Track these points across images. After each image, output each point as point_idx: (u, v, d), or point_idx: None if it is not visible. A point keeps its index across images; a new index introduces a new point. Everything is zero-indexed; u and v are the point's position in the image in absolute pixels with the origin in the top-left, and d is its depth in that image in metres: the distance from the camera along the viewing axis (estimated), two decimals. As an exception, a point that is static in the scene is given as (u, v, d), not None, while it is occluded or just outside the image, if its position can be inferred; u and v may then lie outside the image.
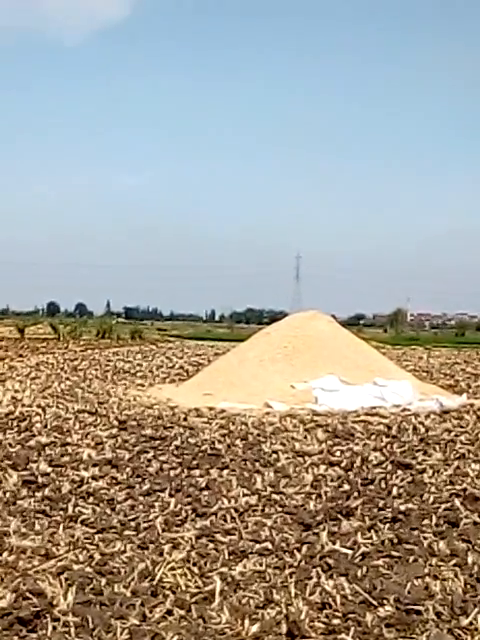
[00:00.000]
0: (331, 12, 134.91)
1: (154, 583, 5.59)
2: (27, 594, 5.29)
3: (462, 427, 12.85)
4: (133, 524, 7.03)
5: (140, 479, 8.71)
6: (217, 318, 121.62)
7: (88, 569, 5.85)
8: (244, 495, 8.07)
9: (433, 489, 8.49)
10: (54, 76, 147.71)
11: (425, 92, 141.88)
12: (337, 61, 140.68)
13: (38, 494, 7.99)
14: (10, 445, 10.42)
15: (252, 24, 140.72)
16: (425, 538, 6.73)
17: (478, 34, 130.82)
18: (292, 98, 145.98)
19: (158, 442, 10.83)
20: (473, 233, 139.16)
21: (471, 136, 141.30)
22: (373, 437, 11.75)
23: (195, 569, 5.92)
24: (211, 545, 6.52)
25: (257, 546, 6.47)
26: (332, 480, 8.88)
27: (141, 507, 7.59)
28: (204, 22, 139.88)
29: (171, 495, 8.01)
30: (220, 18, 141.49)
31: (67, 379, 19.64)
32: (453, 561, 6.16)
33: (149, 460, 9.70)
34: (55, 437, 11.05)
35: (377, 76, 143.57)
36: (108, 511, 7.45)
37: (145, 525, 7.00)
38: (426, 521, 7.25)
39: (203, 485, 8.47)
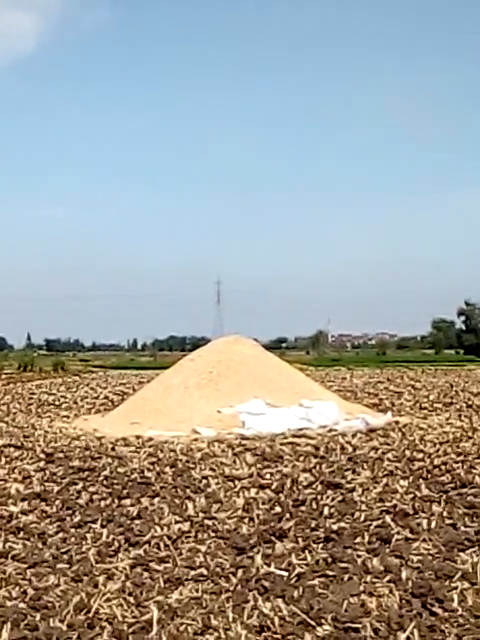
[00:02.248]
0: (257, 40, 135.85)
1: (90, 615, 5.53)
2: (-40, 634, 5.19)
3: (388, 445, 12.99)
4: (66, 557, 6.94)
5: (70, 511, 8.61)
6: (140, 347, 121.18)
7: (22, 605, 5.75)
8: (176, 522, 8.03)
9: (364, 507, 8.56)
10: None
11: (337, 122, 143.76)
12: (248, 88, 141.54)
13: (-33, 532, 7.84)
14: None
15: (166, 53, 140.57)
16: (359, 556, 6.78)
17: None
18: (208, 125, 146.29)
19: (87, 473, 10.72)
20: (391, 254, 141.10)
21: (387, 160, 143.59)
22: (302, 458, 11.80)
23: (131, 599, 5.86)
24: (146, 574, 6.47)
25: (192, 572, 6.45)
26: (263, 503, 8.89)
27: (73, 539, 7.50)
28: (113, 56, 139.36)
29: (103, 526, 7.93)
30: (130, 48, 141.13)
31: (-10, 414, 19.32)
32: (387, 577, 6.21)
33: (79, 492, 9.59)
34: (-19, 473, 10.85)
35: (294, 101, 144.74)
36: (39, 545, 7.34)
37: (78, 557, 6.91)
38: (359, 539, 7.31)
39: (135, 514, 8.40)
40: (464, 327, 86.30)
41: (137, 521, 8.13)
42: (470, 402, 21.06)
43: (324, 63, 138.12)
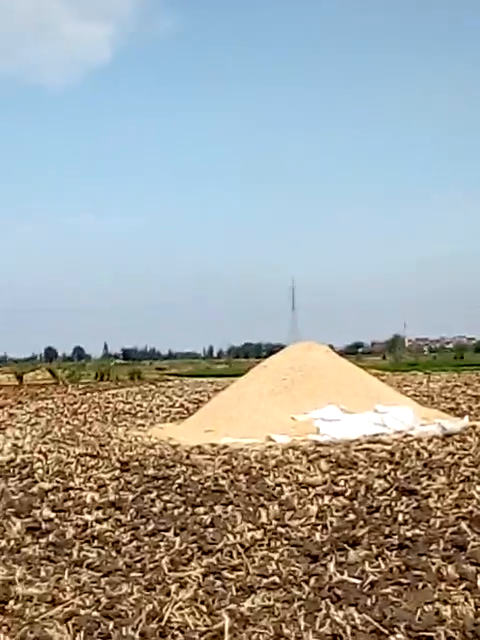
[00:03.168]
0: (318, 47, 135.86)
1: (162, 624, 5.55)
2: (35, 642, 5.25)
3: (465, 450, 12.80)
4: (139, 565, 6.99)
5: (144, 520, 8.66)
6: (215, 354, 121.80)
7: (95, 613, 5.80)
8: (249, 530, 8.02)
9: (439, 513, 8.45)
10: (39, 121, 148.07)
11: (415, 121, 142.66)
12: (327, 94, 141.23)
13: (42, 540, 7.94)
14: (12, 492, 10.38)
15: (239, 58, 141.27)
16: (433, 563, 6.68)
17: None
18: (283, 131, 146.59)
19: (161, 481, 10.77)
20: (467, 256, 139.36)
21: (464, 158, 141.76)
22: (376, 465, 11.69)
23: (203, 607, 5.87)
24: (218, 582, 6.47)
25: (264, 581, 6.43)
26: (337, 510, 8.83)
27: (146, 548, 7.55)
28: (187, 63, 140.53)
29: (176, 534, 7.96)
30: (206, 58, 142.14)
31: (67, 423, 19.57)
32: (462, 585, 6.12)
33: (153, 500, 9.64)
34: (57, 482, 10.99)
35: (370, 106, 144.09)
36: (113, 554, 7.40)
37: (151, 566, 6.95)
38: (433, 546, 7.21)
39: (208, 522, 8.41)
40: None
41: (210, 529, 8.15)
42: None
43: (384, 65, 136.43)
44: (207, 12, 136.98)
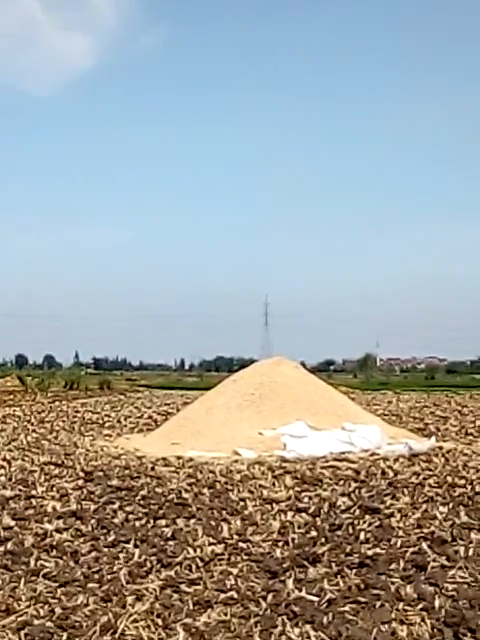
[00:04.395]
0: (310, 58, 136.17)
1: (116, 636, 5.50)
2: (-15, 651, 5.18)
3: (430, 470, 12.82)
4: (96, 576, 6.93)
5: (105, 530, 8.59)
6: (187, 367, 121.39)
7: (49, 624, 5.74)
8: (210, 544, 7.98)
9: (401, 533, 8.45)
10: (25, 126, 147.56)
11: (399, 143, 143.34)
12: (312, 111, 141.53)
13: (0, 548, 7.85)
14: (-27, 499, 10.26)
15: (224, 71, 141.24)
16: (392, 583, 6.67)
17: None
18: (263, 146, 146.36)
19: (124, 492, 10.70)
20: (442, 278, 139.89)
21: (444, 182, 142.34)
22: (341, 482, 11.68)
23: (159, 620, 5.83)
24: (175, 596, 6.42)
25: (222, 596, 6.39)
26: (299, 527, 8.80)
27: (105, 559, 7.48)
28: (171, 74, 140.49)
29: (136, 546, 7.91)
30: (190, 69, 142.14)
31: (34, 431, 19.44)
32: (420, 605, 6.11)
33: (115, 511, 9.57)
34: (20, 490, 10.88)
35: (355, 125, 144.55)
36: (71, 564, 7.33)
37: (109, 577, 6.89)
38: (393, 565, 7.20)
39: (169, 535, 8.36)
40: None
41: (171, 542, 8.09)
42: (517, 428, 20.74)
43: (371, 78, 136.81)
44: (192, 25, 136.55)
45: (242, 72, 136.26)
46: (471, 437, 18.72)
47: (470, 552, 7.63)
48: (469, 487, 11.12)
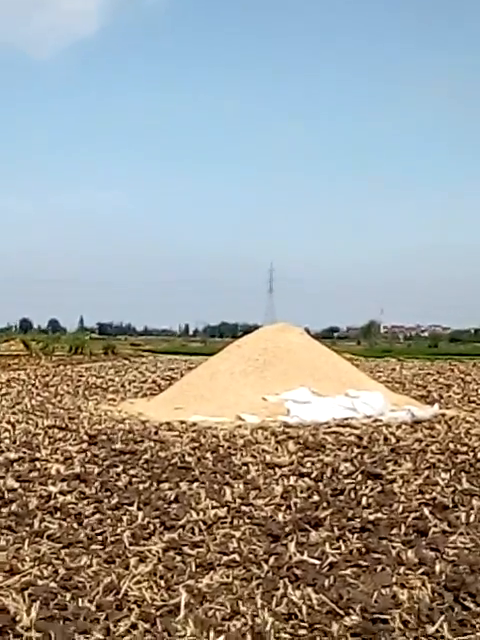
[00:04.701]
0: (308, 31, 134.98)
1: (119, 597, 5.53)
2: (-10, 610, 5.23)
3: (433, 437, 12.87)
4: (100, 538, 6.97)
5: (108, 493, 8.64)
6: (191, 332, 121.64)
7: (52, 584, 5.78)
8: (213, 507, 8.02)
9: (402, 499, 8.49)
10: (24, 91, 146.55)
11: (400, 112, 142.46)
12: (314, 81, 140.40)
13: (4, 510, 7.90)
14: (-22, 461, 10.32)
15: (228, 39, 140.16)
16: (393, 547, 6.71)
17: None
18: (270, 116, 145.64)
19: (128, 456, 10.76)
20: (446, 246, 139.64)
21: (447, 153, 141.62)
22: (344, 448, 11.73)
23: (161, 582, 5.86)
24: (178, 558, 6.47)
25: (225, 558, 6.43)
26: (302, 491, 8.84)
27: (109, 521, 7.52)
28: (176, 37, 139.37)
29: (139, 509, 7.94)
30: (194, 35, 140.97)
31: (38, 395, 19.52)
32: (421, 570, 6.14)
33: (118, 474, 9.62)
34: (24, 453, 10.95)
35: (356, 97, 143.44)
36: (75, 526, 7.37)
37: (112, 539, 6.93)
38: (395, 530, 7.24)
39: (172, 498, 8.40)
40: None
41: (174, 505, 8.14)
42: (520, 397, 20.77)
43: (376, 53, 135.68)
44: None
45: (244, 38, 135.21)
46: (474, 405, 18.75)
47: (471, 518, 7.68)
48: (471, 454, 11.17)
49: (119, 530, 7.19)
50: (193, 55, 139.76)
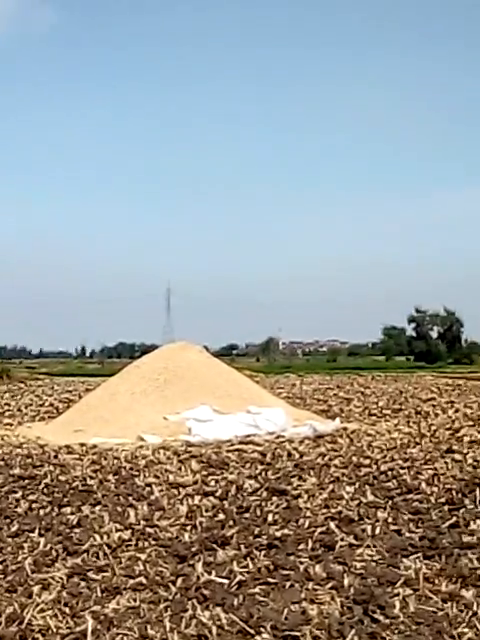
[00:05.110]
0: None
1: (22, 627, 5.35)
2: None
3: (336, 451, 12.92)
4: (1, 567, 6.75)
5: (8, 520, 8.40)
6: (88, 354, 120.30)
7: (-48, 617, 5.55)
8: (117, 530, 7.86)
9: (308, 514, 8.47)
10: None
11: (290, 122, 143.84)
12: (206, 92, 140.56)
13: None
14: None
15: (116, 55, 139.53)
16: (301, 563, 6.68)
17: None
18: (160, 130, 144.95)
19: (27, 481, 10.50)
20: (341, 262, 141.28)
21: (346, 169, 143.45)
22: (248, 465, 11.68)
23: (66, 609, 5.70)
24: (83, 584, 6.30)
25: (131, 581, 6.29)
26: (207, 510, 8.75)
27: (9, 549, 7.31)
28: (63, 59, 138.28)
29: (41, 535, 7.74)
30: (83, 54, 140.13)
31: None
32: (329, 584, 6.11)
33: (17, 500, 9.38)
34: None
35: (254, 106, 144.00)
36: (-26, 555, 7.13)
37: (13, 567, 6.72)
38: (302, 546, 7.21)
39: (74, 523, 8.21)
40: (414, 334, 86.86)
41: (77, 530, 7.95)
42: (419, 408, 21.06)
43: (270, 58, 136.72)
44: (85, 9, 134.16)
45: (132, 50, 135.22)
46: (374, 417, 18.98)
47: (377, 530, 7.70)
48: (374, 466, 11.23)
49: (20, 557, 6.98)
50: (79, 72, 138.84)
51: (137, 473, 11.08)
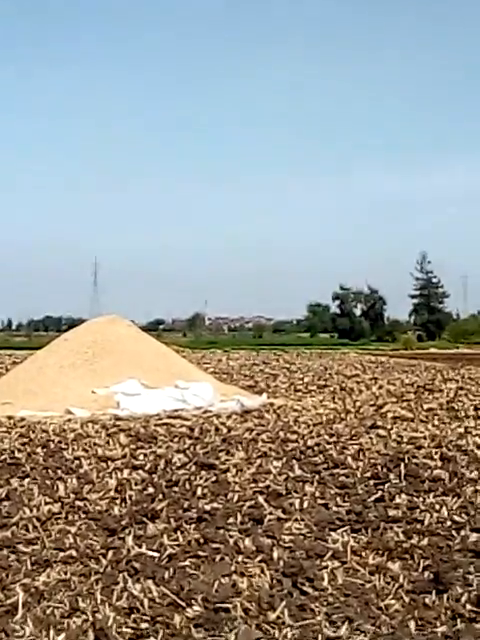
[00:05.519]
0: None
1: (-48, 600, 5.33)
2: None
3: (263, 426, 13.05)
4: None
5: None
6: (14, 327, 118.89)
7: None
8: (46, 503, 7.84)
9: (237, 488, 8.56)
10: None
11: (215, 94, 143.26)
12: (126, 65, 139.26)
13: None
14: None
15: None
16: (231, 536, 6.75)
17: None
18: (84, 96, 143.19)
19: (-46, 454, 10.41)
20: (267, 237, 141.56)
21: (264, 139, 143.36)
22: (176, 439, 11.74)
23: (-4, 582, 5.69)
24: (13, 556, 6.29)
25: (61, 554, 6.30)
26: (136, 484, 8.78)
27: None
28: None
29: (-31, 508, 7.69)
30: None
31: None
32: (259, 557, 6.20)
33: None
34: None
35: (175, 80, 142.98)
36: None
37: None
38: (231, 519, 7.28)
39: (3, 496, 8.18)
40: (339, 311, 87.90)
41: (5, 503, 7.91)
42: (343, 385, 21.37)
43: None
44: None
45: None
46: (300, 393, 19.20)
47: (305, 504, 7.82)
48: (301, 442, 11.38)
49: None
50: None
51: (66, 446, 11.06)
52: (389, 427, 12.93)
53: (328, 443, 11.25)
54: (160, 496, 8.15)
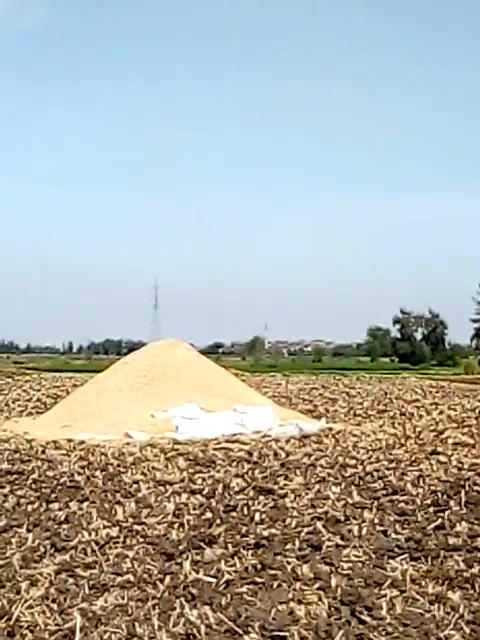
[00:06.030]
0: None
1: (11, 623, 5.37)
2: None
3: (321, 451, 12.96)
4: (-11, 562, 6.76)
5: (-4, 515, 8.41)
6: (75, 350, 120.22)
7: None
8: (105, 527, 7.88)
9: (295, 513, 8.50)
10: None
11: (276, 121, 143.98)
12: (183, 90, 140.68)
13: None
14: None
15: (97, 51, 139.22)
16: (288, 563, 6.70)
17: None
18: (148, 125, 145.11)
19: (15, 476, 10.51)
20: (328, 261, 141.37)
21: (326, 163, 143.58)
22: (234, 464, 11.71)
23: (54, 606, 5.71)
24: (71, 580, 6.32)
25: (119, 579, 6.31)
26: (194, 508, 8.77)
27: (-3, 544, 7.31)
28: (49, 52, 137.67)
29: (29, 530, 7.75)
30: (71, 52, 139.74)
31: None
32: (317, 584, 6.15)
33: (5, 495, 9.39)
34: None
35: (234, 109, 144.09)
36: (-38, 550, 7.14)
37: (1, 563, 6.73)
38: (289, 545, 7.24)
39: (62, 518, 8.23)
40: (399, 335, 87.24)
41: (64, 526, 7.97)
42: (403, 410, 21.16)
43: (249, 63, 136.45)
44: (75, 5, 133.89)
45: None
46: (360, 418, 19.05)
47: (363, 531, 7.74)
48: (360, 467, 11.28)
49: (8, 553, 6.99)
50: (70, 70, 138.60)
51: (124, 470, 11.10)
52: (449, 453, 12.76)
53: (387, 469, 11.13)
54: (218, 521, 8.13)
